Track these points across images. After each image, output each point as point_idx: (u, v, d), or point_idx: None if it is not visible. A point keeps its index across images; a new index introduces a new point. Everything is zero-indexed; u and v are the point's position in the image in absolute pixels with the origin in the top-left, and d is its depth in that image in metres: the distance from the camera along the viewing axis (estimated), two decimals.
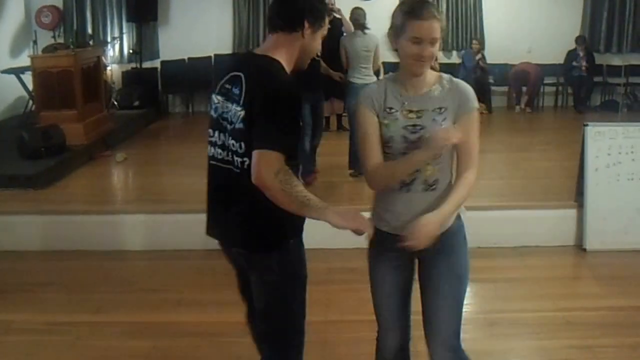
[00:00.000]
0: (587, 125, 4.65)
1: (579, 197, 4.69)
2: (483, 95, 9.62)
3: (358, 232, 1.99)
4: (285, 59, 2.02)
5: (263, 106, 1.92)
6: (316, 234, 4.61)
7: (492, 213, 4.66)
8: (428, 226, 2.01)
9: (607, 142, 4.60)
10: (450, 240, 2.17)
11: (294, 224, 2.09)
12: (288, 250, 2.10)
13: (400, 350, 2.40)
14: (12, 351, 3.33)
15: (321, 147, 7.69)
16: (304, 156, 5.55)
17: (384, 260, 2.27)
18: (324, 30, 2.10)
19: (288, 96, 1.95)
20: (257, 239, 2.07)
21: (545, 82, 9.80)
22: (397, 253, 2.13)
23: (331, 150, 7.56)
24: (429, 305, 2.26)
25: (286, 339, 2.20)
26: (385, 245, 2.19)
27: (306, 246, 4.86)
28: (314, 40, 2.07)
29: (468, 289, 2.25)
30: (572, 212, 4.67)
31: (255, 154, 1.90)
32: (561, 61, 9.76)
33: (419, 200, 2.12)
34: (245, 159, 1.98)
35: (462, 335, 3.28)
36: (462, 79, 2.22)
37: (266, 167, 1.87)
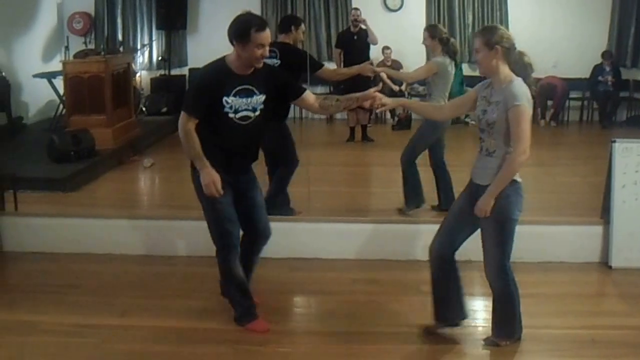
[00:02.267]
0: (615, 141, 4.60)
1: (605, 213, 4.64)
2: None
3: (207, 192, 3.30)
4: (232, 60, 3.33)
5: None
6: (339, 246, 4.67)
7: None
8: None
9: (635, 158, 4.55)
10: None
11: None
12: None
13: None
14: (37, 352, 3.38)
15: (344, 157, 7.70)
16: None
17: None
18: (256, 41, 3.20)
19: (194, 79, 3.69)
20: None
21: (570, 96, 9.71)
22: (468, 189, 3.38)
23: (355, 161, 7.57)
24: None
25: (211, 228, 3.57)
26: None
27: (329, 256, 4.86)
28: (246, 50, 3.23)
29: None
30: (598, 229, 4.61)
31: None
32: (587, 76, 9.65)
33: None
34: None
35: (486, 350, 3.33)
36: None
37: (180, 120, 3.29)
